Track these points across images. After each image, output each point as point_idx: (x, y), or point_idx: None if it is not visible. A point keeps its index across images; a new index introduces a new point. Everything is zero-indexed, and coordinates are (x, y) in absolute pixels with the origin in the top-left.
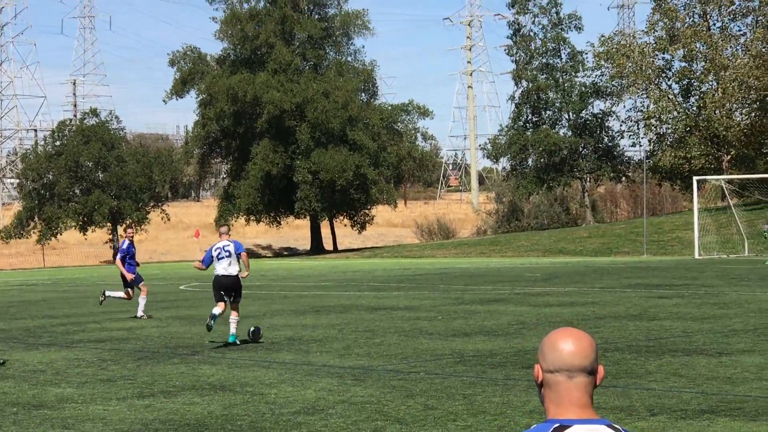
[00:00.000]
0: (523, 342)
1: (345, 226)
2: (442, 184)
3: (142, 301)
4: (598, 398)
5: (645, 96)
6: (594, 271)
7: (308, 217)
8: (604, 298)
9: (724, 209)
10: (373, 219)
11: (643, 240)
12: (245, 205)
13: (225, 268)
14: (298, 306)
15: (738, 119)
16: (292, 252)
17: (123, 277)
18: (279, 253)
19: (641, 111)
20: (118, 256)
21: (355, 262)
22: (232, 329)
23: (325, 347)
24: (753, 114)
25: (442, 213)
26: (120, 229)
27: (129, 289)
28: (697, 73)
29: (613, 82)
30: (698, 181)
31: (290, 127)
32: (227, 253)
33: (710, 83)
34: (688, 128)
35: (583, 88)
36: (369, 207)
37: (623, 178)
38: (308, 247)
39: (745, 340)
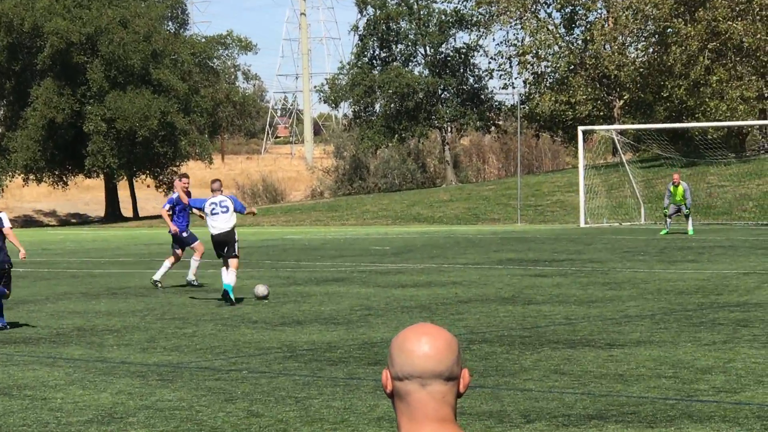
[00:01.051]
0: (370, 332)
1: (148, 187)
2: (268, 134)
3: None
4: (462, 402)
5: (519, 27)
6: (457, 242)
7: (102, 177)
8: (469, 277)
9: (616, 166)
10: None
11: (517, 204)
12: (22, 161)
13: (220, 225)
14: (90, 288)
15: (633, 56)
16: (82, 220)
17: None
18: (66, 221)
19: (514, 45)
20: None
21: (159, 233)
22: (228, 280)
23: (124, 339)
24: (651, 50)
25: (268, 171)
26: None
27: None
28: None
29: (480, 10)
30: (584, 132)
31: (79, 64)
32: (224, 209)
33: (599, 11)
34: (572, 66)
35: (443, 17)
36: (178, 163)
37: (492, 128)
38: (102, 213)
39: (641, 329)
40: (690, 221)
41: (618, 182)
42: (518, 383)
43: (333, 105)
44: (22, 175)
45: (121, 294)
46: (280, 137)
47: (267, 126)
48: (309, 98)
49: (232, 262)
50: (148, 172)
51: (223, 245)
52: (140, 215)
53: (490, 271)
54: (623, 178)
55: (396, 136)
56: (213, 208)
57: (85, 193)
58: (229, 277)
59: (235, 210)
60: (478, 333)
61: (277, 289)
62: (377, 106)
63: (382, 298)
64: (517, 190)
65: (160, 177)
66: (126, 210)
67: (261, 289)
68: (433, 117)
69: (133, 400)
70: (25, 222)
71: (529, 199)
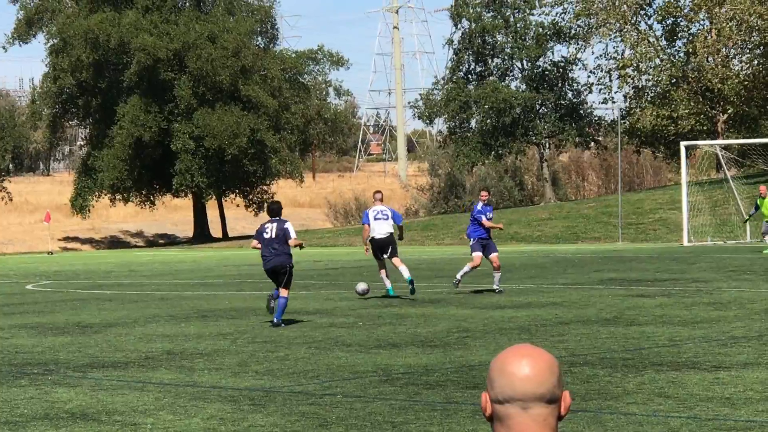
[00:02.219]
0: (467, 355)
1: (237, 207)
2: (360, 152)
3: None
4: (563, 426)
5: (619, 39)
6: (556, 262)
7: (190, 196)
8: (569, 298)
9: (720, 182)
10: (273, 197)
11: (618, 222)
12: (109, 180)
13: (383, 229)
14: (180, 310)
15: (737, 68)
16: (170, 240)
17: None
18: (153, 242)
19: (614, 58)
20: None
21: (250, 253)
22: (406, 274)
23: (215, 363)
24: (756, 62)
25: (361, 189)
26: None
27: None
28: (686, 10)
29: (579, 22)
30: (687, 148)
31: (167, 81)
32: (385, 216)
33: (701, 23)
34: (674, 80)
35: (541, 30)
36: (268, 182)
37: (592, 144)
38: (191, 233)
39: (748, 350)
40: None
41: (722, 199)
42: (621, 407)
43: (427, 121)
44: (109, 195)
45: (211, 316)
46: (372, 154)
47: (359, 143)
48: (402, 114)
49: (396, 260)
50: (237, 191)
51: (386, 248)
52: (229, 235)
53: (590, 291)
54: (728, 195)
55: (492, 152)
56: (376, 215)
57: (173, 213)
58: (404, 270)
59: (392, 216)
60: (580, 355)
61: (373, 311)
62: (473, 122)
63: (480, 319)
64: (618, 207)
65: (250, 196)
66: (215, 230)
67: (362, 287)
68: (531, 133)
69: (224, 425)
70: (112, 243)
71: (630, 217)
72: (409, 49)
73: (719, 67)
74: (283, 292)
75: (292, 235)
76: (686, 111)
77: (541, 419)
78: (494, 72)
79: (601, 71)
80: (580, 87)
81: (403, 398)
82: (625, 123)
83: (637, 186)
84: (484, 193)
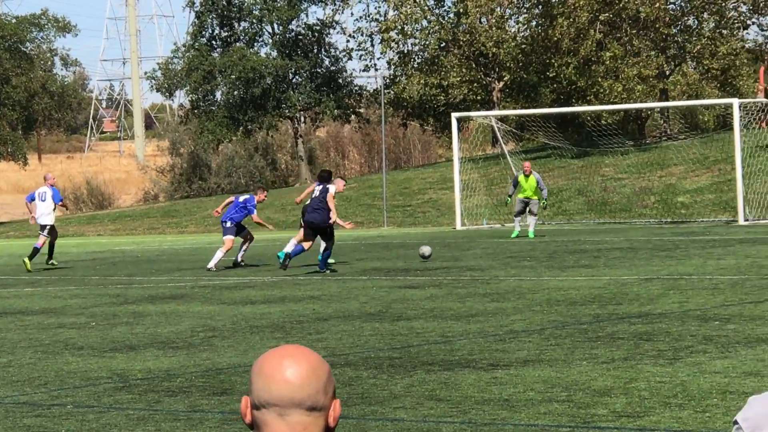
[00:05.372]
0: (214, 357)
1: None
2: (92, 129)
3: None
4: None
5: None
6: (314, 250)
7: None
8: (328, 291)
9: (497, 158)
10: None
11: (383, 205)
12: None
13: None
14: None
15: (513, 30)
16: None
17: None
18: None
19: (377, 20)
20: None
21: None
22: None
23: None
24: (534, 23)
25: (93, 171)
26: None
27: None
28: None
29: None
30: (459, 120)
31: None
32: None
33: None
34: (444, 44)
35: None
36: None
37: (353, 117)
38: None
39: (528, 346)
40: (534, 221)
41: (499, 177)
42: (388, 412)
43: (167, 94)
44: None
45: None
46: (106, 132)
47: (90, 120)
48: (139, 86)
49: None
50: None
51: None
52: None
53: (352, 282)
54: (505, 172)
55: (241, 128)
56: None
57: None
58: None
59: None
60: (341, 355)
61: (107, 309)
62: (218, 94)
63: (228, 316)
64: (382, 188)
65: None
66: None
67: (426, 249)
68: (284, 105)
69: None
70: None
71: (396, 199)
72: (146, 13)
73: (494, 29)
74: None
75: None
76: (458, 79)
77: (300, 428)
78: (241, 37)
79: (362, 35)
80: (338, 53)
81: (142, 407)
82: (389, 93)
83: (403, 163)
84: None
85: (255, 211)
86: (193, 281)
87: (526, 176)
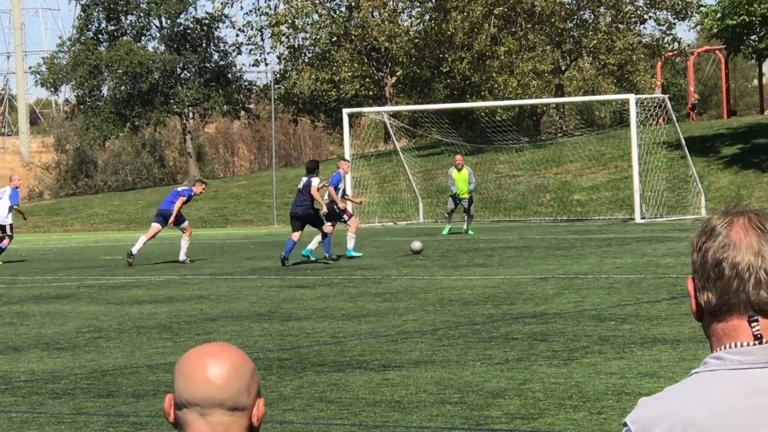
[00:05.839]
0: (100, 358)
1: None
2: None
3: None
4: None
5: None
6: (202, 249)
7: None
8: (217, 290)
9: (389, 155)
10: None
11: (273, 203)
12: None
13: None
14: None
15: (406, 24)
16: None
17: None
18: None
19: (267, 14)
20: None
21: None
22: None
23: None
24: (427, 16)
25: None
26: None
27: None
28: None
29: None
30: (351, 116)
31: None
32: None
33: None
34: (335, 38)
35: None
36: None
37: (242, 113)
38: None
39: (421, 347)
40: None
41: (392, 174)
42: (277, 414)
43: (52, 89)
44: None
45: None
46: None
47: None
48: (23, 81)
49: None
50: None
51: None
52: None
53: (241, 282)
54: (398, 169)
55: (128, 124)
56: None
57: None
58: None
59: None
60: None
61: None
62: (105, 90)
63: (115, 317)
64: (272, 186)
65: None
66: None
67: (417, 245)
68: (172, 101)
69: None
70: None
71: (286, 197)
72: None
73: (386, 23)
74: None
75: None
76: (349, 74)
77: (222, 428)
78: (129, 31)
79: (252, 29)
80: (227, 47)
81: (25, 409)
82: (279, 88)
83: (294, 160)
84: None
85: (188, 196)
86: (78, 281)
87: (459, 169)
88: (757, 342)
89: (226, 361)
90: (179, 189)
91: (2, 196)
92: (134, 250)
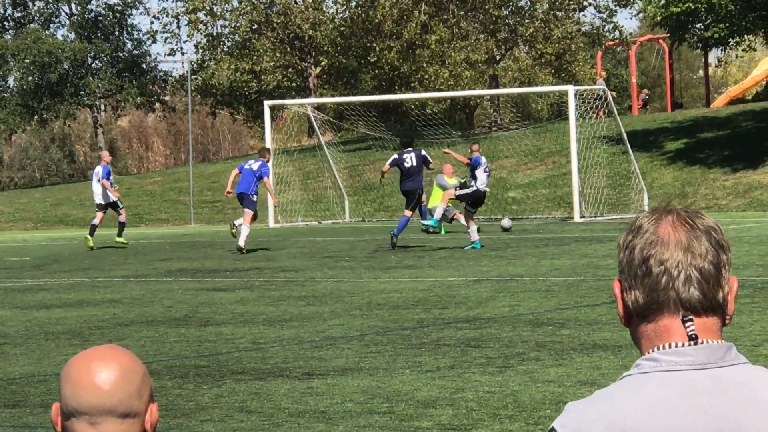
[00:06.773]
0: (6, 366)
1: None
2: None
3: None
4: None
5: None
6: (114, 251)
7: None
8: (130, 294)
9: (313, 150)
10: None
11: (189, 201)
12: None
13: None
14: None
15: (331, 12)
16: None
17: None
18: None
19: (183, 0)
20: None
21: None
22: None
23: None
24: (353, 3)
25: None
26: None
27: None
28: None
29: None
30: (272, 108)
31: None
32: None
33: None
34: (256, 26)
35: None
36: None
37: (157, 105)
38: None
39: (347, 353)
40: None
41: (316, 170)
42: (194, 425)
43: None
44: None
45: None
46: None
47: None
48: None
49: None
50: None
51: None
52: None
53: (157, 285)
54: (322, 165)
55: (36, 117)
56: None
57: None
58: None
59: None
60: (144, 363)
61: None
62: (11, 80)
63: (21, 322)
64: (189, 182)
65: None
66: None
67: (506, 222)
68: (82, 92)
69: None
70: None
71: (204, 194)
72: None
73: (310, 10)
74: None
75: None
76: (271, 64)
77: None
78: (36, 18)
79: (167, 16)
80: (141, 36)
81: None
82: (197, 79)
83: (212, 155)
84: None
85: (269, 173)
86: None
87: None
88: (692, 342)
89: (114, 365)
90: (252, 168)
91: (95, 177)
92: (242, 243)
